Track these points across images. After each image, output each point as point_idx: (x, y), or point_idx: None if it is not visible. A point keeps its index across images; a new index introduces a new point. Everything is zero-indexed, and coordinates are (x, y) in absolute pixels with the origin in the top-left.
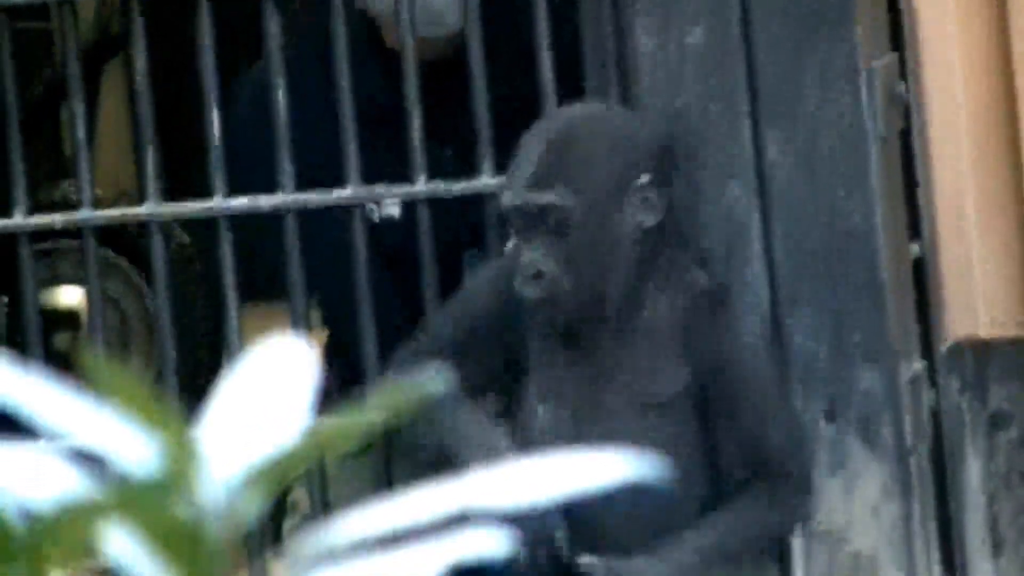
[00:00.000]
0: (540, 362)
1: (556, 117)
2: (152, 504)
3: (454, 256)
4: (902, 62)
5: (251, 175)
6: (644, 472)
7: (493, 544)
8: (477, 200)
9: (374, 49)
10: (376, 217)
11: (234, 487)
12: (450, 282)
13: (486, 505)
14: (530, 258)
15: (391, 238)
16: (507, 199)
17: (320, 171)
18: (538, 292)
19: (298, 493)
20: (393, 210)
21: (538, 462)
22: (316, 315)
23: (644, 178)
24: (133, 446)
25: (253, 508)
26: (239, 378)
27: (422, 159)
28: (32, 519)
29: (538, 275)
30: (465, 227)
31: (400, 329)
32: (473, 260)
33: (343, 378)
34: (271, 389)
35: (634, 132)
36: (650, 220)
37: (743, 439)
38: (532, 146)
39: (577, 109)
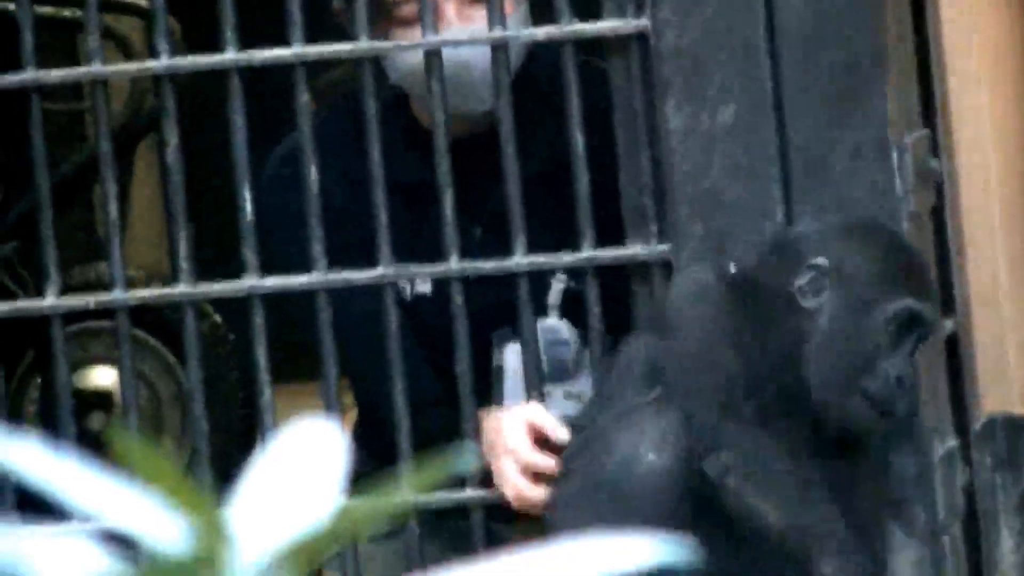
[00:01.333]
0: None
1: (888, 228)
2: None
3: (484, 334)
4: (934, 138)
5: (283, 253)
6: (673, 555)
7: None
8: (508, 279)
9: (405, 125)
10: (408, 295)
11: (264, 568)
12: (481, 360)
13: None
14: (910, 372)
15: (423, 315)
16: (927, 312)
17: (350, 250)
18: (900, 408)
19: (330, 574)
20: (425, 288)
21: (567, 545)
22: (348, 394)
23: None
24: (164, 527)
25: None
26: (270, 459)
27: (455, 237)
28: None
29: (910, 388)
30: (496, 306)
31: (433, 407)
32: (503, 339)
33: (376, 458)
34: (302, 470)
35: None
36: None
37: None
38: (920, 260)
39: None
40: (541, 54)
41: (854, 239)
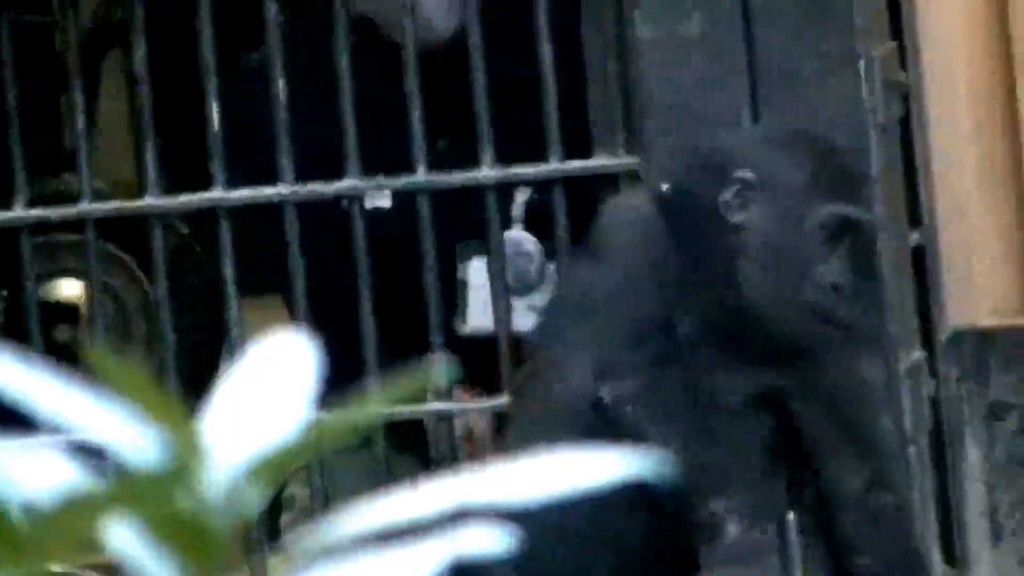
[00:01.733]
0: None
1: (814, 134)
2: (156, 496)
3: (447, 247)
4: (901, 50)
5: (250, 165)
6: (645, 470)
7: (492, 541)
8: (472, 191)
9: (365, 40)
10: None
11: (237, 479)
12: (444, 273)
13: (485, 501)
14: (850, 278)
15: (382, 229)
16: (859, 215)
17: (314, 161)
18: (843, 315)
19: (295, 488)
20: (383, 202)
21: (538, 459)
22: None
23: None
24: (136, 438)
25: (256, 500)
26: (241, 372)
27: (422, 150)
28: (34, 513)
29: (850, 294)
30: (459, 218)
31: (388, 323)
32: (467, 252)
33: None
34: (273, 382)
35: None
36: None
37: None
38: (854, 166)
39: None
40: None
41: (778, 147)
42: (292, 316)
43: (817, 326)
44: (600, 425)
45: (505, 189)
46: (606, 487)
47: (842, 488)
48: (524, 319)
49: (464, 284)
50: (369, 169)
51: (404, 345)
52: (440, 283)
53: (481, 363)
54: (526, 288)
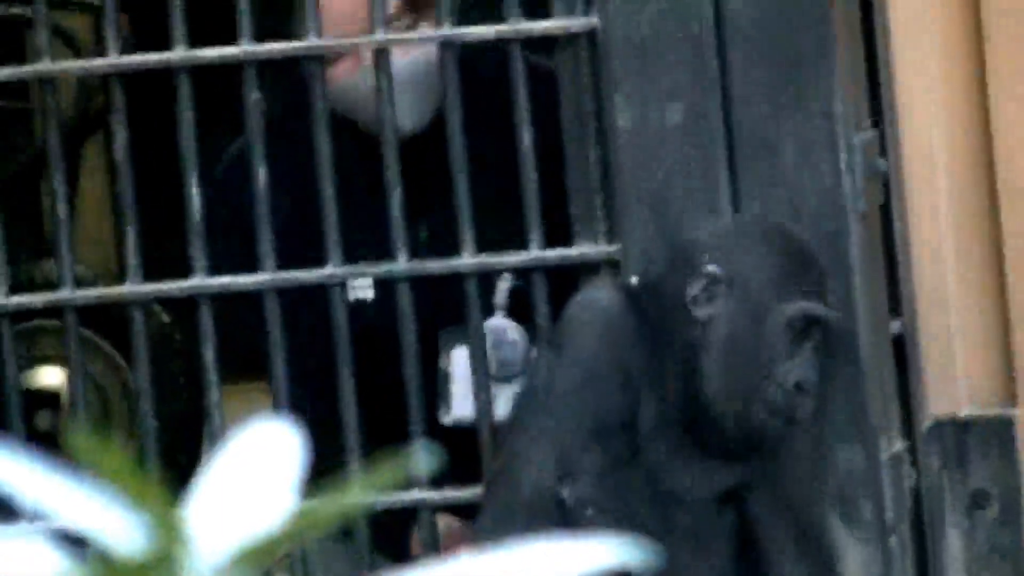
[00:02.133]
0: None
1: (787, 229)
2: None
3: (430, 335)
4: (882, 137)
5: (230, 252)
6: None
7: None
8: (454, 278)
9: (343, 130)
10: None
11: (220, 568)
12: (427, 361)
13: None
14: (813, 376)
15: (364, 320)
16: (821, 313)
17: (295, 250)
18: (806, 413)
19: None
20: (366, 292)
21: (527, 549)
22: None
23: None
24: (119, 525)
25: None
26: (225, 459)
27: (403, 237)
28: None
29: (814, 396)
30: (441, 307)
31: (371, 412)
32: (449, 340)
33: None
34: (256, 470)
35: None
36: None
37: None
38: (820, 262)
39: (772, 222)
40: (486, 53)
41: (749, 241)
42: (273, 403)
43: (776, 424)
44: (563, 522)
45: (488, 276)
46: None
47: None
48: (507, 406)
49: (446, 373)
50: (349, 257)
51: (387, 433)
52: (423, 371)
53: (465, 453)
54: (510, 376)
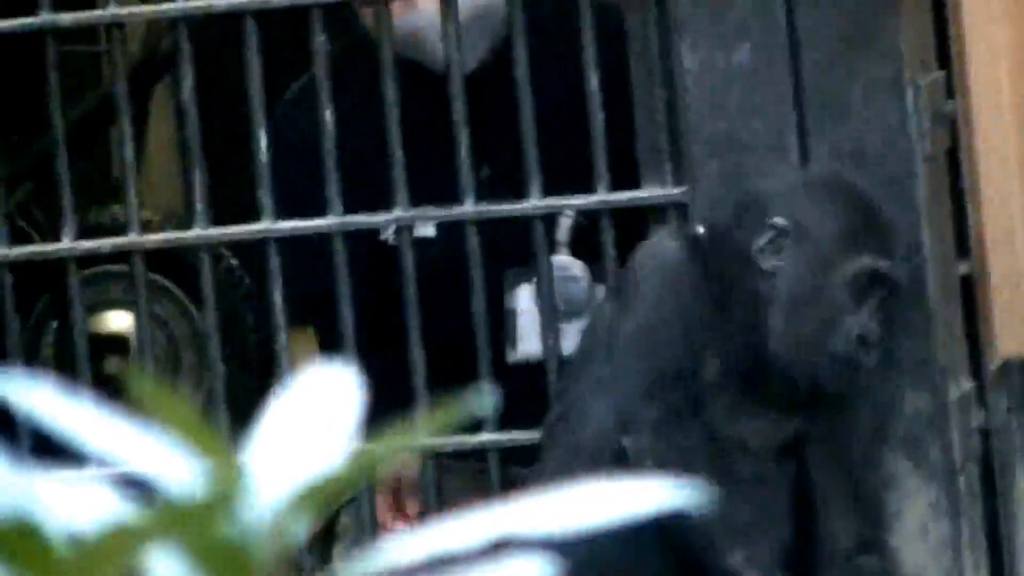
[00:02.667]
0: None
1: (855, 183)
2: (198, 526)
3: (493, 274)
4: (949, 80)
5: (295, 197)
6: (686, 500)
7: (538, 570)
8: (521, 220)
9: (405, 69)
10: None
11: (280, 509)
12: (490, 301)
13: (532, 531)
14: (876, 328)
15: (425, 258)
16: (888, 269)
17: (357, 193)
18: (872, 362)
19: (347, 519)
20: (427, 230)
21: (581, 488)
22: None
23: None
24: (180, 469)
25: (299, 530)
26: (286, 401)
27: (470, 179)
28: (79, 542)
29: (879, 345)
30: (504, 245)
31: (433, 354)
32: (514, 279)
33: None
34: (317, 412)
35: None
36: None
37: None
38: (888, 218)
39: (844, 177)
40: None
41: (815, 196)
42: (334, 348)
43: (841, 377)
44: (623, 473)
45: (550, 213)
46: (632, 532)
47: (832, 544)
48: (574, 345)
49: (512, 312)
50: (412, 198)
51: (451, 375)
52: (488, 312)
53: (532, 392)
54: (575, 312)
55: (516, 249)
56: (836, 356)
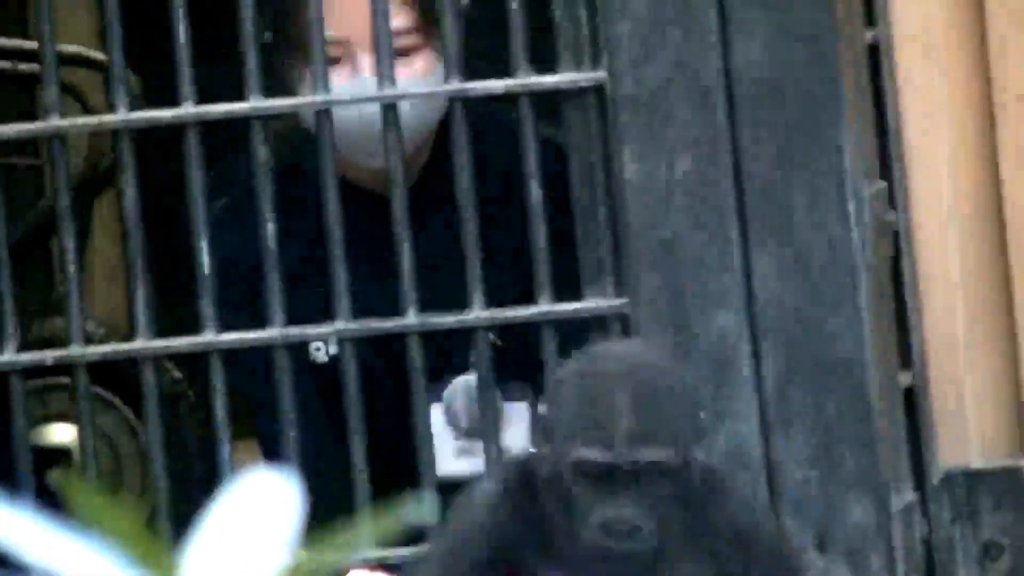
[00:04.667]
0: None
1: (613, 366)
2: None
3: (402, 393)
4: (891, 189)
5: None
6: None
7: None
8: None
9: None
10: (324, 356)
11: None
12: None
13: None
14: (626, 513)
15: (327, 377)
16: (603, 458)
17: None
18: (634, 547)
19: None
20: (332, 350)
21: None
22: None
23: (703, 419)
24: None
25: None
26: (225, 509)
27: (412, 292)
28: None
29: (634, 530)
30: (445, 358)
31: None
32: (429, 395)
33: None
34: (255, 521)
35: (687, 375)
36: (703, 458)
37: None
38: (615, 402)
39: (626, 355)
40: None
41: (564, 386)
42: (278, 456)
43: (617, 567)
44: None
45: (463, 333)
46: None
47: None
48: (477, 461)
49: (427, 429)
50: (327, 315)
51: (384, 491)
52: (401, 427)
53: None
54: (478, 433)
55: (432, 367)
56: (591, 547)
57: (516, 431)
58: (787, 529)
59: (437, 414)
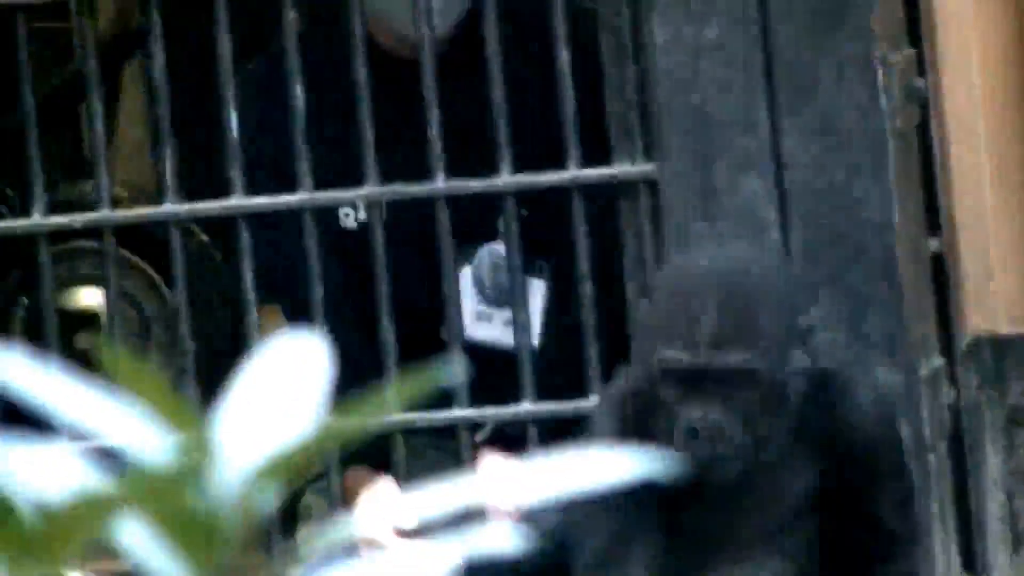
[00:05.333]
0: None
1: (704, 270)
2: (167, 496)
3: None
4: (920, 57)
5: (260, 173)
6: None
7: (504, 540)
8: (492, 197)
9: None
10: (354, 222)
11: (248, 480)
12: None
13: (498, 502)
14: (711, 417)
15: (355, 242)
16: (686, 360)
17: (322, 171)
18: (723, 453)
19: (310, 497)
20: (361, 216)
21: (547, 460)
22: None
23: (805, 325)
24: (149, 439)
25: (267, 501)
26: (253, 372)
27: (440, 157)
28: (47, 511)
29: (720, 434)
30: (474, 224)
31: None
32: (458, 258)
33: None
34: (283, 383)
35: (787, 279)
36: (812, 367)
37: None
38: (701, 305)
39: (720, 259)
40: None
41: (656, 291)
42: (302, 324)
43: (700, 469)
44: None
45: (491, 200)
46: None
47: None
48: (505, 332)
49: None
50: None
51: (413, 354)
52: (427, 294)
53: (478, 372)
54: (505, 301)
55: (456, 231)
56: (677, 451)
57: (532, 306)
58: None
59: (465, 278)
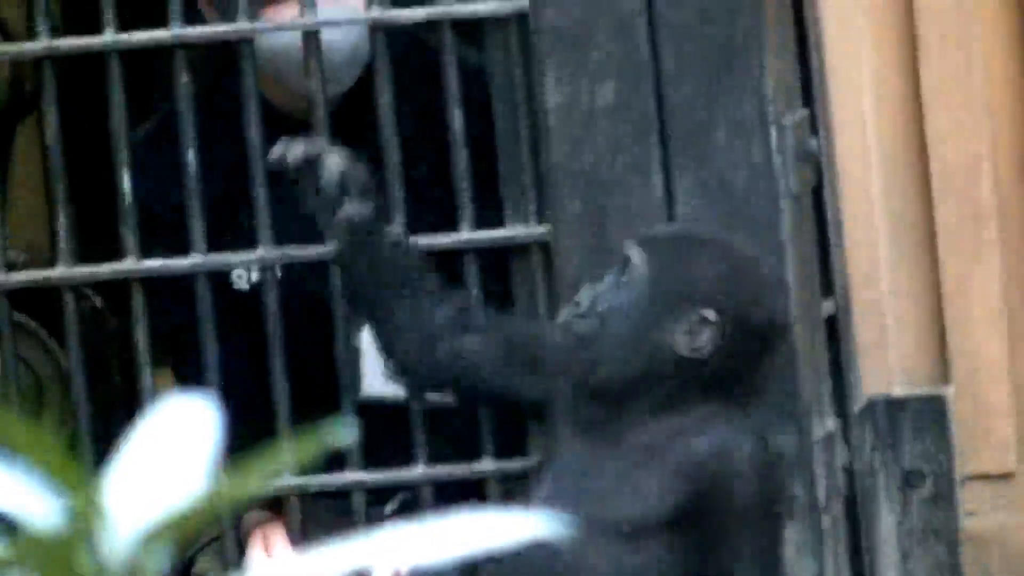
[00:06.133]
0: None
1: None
2: (57, 559)
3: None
4: (813, 117)
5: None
6: (549, 531)
7: None
8: None
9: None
10: (246, 283)
11: (138, 542)
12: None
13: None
14: (591, 293)
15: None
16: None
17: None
18: (588, 327)
19: (204, 563)
20: (252, 278)
21: (444, 521)
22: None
23: (707, 310)
24: (40, 502)
25: (157, 563)
26: (143, 435)
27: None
28: None
29: (591, 313)
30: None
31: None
32: (357, 319)
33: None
34: (174, 446)
35: (717, 261)
36: (703, 349)
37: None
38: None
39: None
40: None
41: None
42: (198, 383)
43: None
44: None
45: None
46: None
47: None
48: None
49: (357, 351)
50: (250, 242)
51: (305, 417)
52: (321, 354)
53: (379, 431)
54: None
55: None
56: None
57: None
58: None
59: (368, 336)
